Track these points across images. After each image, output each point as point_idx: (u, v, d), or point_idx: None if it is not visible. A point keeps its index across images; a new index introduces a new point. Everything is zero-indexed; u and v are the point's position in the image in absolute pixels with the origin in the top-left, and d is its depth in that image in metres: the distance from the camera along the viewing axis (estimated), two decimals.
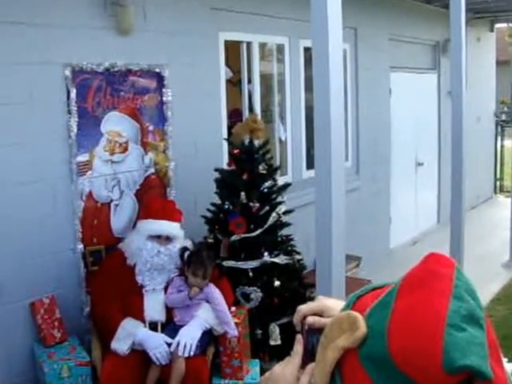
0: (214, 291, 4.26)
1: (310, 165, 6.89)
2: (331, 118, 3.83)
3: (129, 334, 4.06)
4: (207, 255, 4.28)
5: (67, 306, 4.48)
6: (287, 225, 4.96)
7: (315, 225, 4.01)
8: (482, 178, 11.42)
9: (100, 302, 4.22)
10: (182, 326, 4.14)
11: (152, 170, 4.99)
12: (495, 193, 12.44)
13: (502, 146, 12.41)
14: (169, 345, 4.05)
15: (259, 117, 5.43)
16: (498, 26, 12.01)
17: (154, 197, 4.89)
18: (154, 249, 4.23)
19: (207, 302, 4.25)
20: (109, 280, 4.24)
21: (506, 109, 15.00)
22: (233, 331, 4.21)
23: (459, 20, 5.91)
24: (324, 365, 1.02)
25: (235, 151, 4.85)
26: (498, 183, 12.56)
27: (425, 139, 9.50)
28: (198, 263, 4.19)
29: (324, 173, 3.91)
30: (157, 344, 4.04)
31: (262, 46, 6.32)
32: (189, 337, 4.04)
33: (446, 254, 1.05)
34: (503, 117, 13.07)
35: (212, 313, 4.21)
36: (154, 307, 4.23)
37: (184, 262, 4.28)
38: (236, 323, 4.28)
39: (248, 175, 4.78)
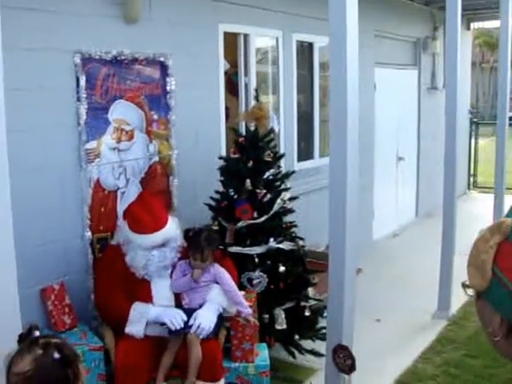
0: (221, 271, 4.28)
1: (301, 157, 7.02)
2: (348, 108, 3.93)
3: (141, 315, 4.09)
4: (204, 238, 4.25)
5: (75, 293, 4.49)
6: (291, 211, 5.04)
7: (329, 210, 4.07)
8: (457, 175, 11.59)
9: (105, 293, 4.22)
10: (191, 310, 4.17)
11: (156, 159, 5.03)
12: (469, 189, 12.70)
13: (476, 144, 12.68)
14: (186, 324, 4.09)
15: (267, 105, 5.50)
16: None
17: (138, 207, 4.39)
18: (162, 254, 4.23)
19: (216, 283, 4.27)
20: (112, 271, 4.24)
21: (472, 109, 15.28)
22: (246, 310, 4.26)
23: (455, 17, 6.10)
24: (482, 269, 1.28)
25: (240, 139, 4.91)
26: (471, 179, 12.85)
27: (405, 134, 9.68)
28: (195, 246, 4.21)
29: (339, 159, 3.99)
30: (174, 313, 4.10)
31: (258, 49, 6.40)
32: (207, 320, 4.09)
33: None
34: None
35: (223, 294, 4.25)
36: (161, 293, 4.25)
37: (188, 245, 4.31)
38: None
39: (253, 163, 4.83)
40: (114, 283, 4.18)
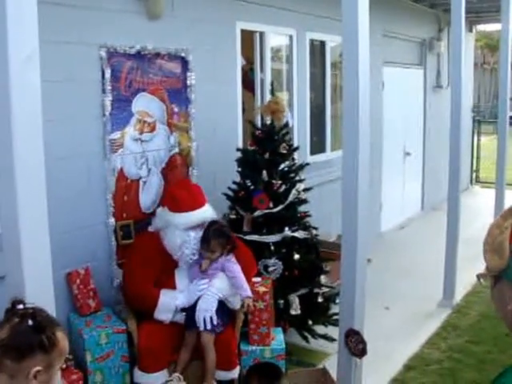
0: (230, 261, 4.17)
1: (313, 151, 6.99)
2: (360, 103, 3.90)
3: (170, 301, 4.06)
4: (213, 230, 4.14)
5: (99, 278, 4.47)
6: (305, 202, 5.01)
7: (342, 201, 4.04)
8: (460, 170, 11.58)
9: (138, 279, 4.13)
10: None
11: (176, 150, 5.00)
12: (471, 184, 12.65)
13: (478, 140, 12.64)
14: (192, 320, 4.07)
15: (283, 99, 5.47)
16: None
17: (176, 186, 4.47)
18: (197, 236, 4.14)
19: (223, 271, 4.16)
20: (147, 256, 4.16)
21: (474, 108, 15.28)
22: (245, 293, 4.13)
23: (460, 19, 6.07)
24: (500, 250, 1.27)
25: (258, 132, 4.88)
26: (474, 175, 12.81)
27: (412, 130, 9.64)
28: (203, 237, 4.13)
29: (352, 151, 3.97)
30: (194, 290, 4.10)
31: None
32: (205, 310, 4.03)
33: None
34: None
35: (227, 282, 4.14)
36: (183, 280, 4.17)
37: None
38: (264, 292, 4.29)
39: (269, 154, 4.81)
40: (147, 269, 4.11)
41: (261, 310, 4.31)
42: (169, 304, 4.06)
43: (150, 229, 4.34)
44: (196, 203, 4.20)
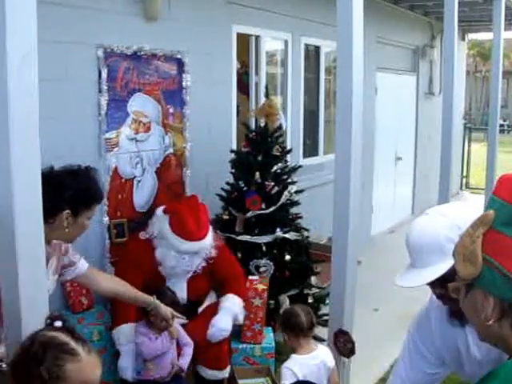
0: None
1: (306, 154, 7.00)
2: (353, 108, 3.93)
3: (118, 340, 3.93)
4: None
5: None
6: (297, 203, 5.02)
7: (333, 203, 4.06)
8: (450, 176, 11.62)
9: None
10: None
11: (171, 150, 4.99)
12: (461, 189, 12.70)
13: (469, 147, 12.70)
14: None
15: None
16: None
17: (185, 208, 4.15)
18: (190, 260, 4.05)
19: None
20: (132, 266, 4.01)
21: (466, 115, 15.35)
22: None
23: (453, 27, 6.10)
24: (473, 258, 1.30)
25: (252, 134, 4.90)
26: (463, 180, 12.86)
27: (404, 135, 9.66)
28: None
29: (344, 155, 3.99)
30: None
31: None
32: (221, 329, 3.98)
33: None
34: None
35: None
36: (176, 286, 4.06)
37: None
38: (263, 289, 4.31)
39: (263, 156, 4.82)
40: (133, 276, 3.83)
41: (257, 307, 4.32)
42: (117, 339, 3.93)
43: (144, 235, 4.17)
44: (200, 234, 4.05)
